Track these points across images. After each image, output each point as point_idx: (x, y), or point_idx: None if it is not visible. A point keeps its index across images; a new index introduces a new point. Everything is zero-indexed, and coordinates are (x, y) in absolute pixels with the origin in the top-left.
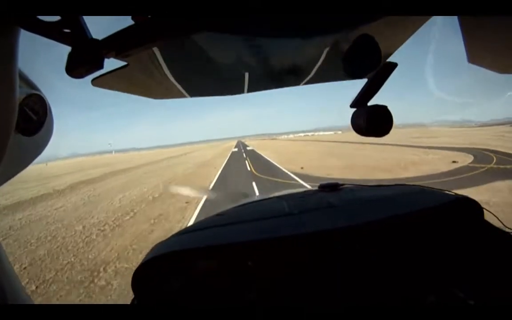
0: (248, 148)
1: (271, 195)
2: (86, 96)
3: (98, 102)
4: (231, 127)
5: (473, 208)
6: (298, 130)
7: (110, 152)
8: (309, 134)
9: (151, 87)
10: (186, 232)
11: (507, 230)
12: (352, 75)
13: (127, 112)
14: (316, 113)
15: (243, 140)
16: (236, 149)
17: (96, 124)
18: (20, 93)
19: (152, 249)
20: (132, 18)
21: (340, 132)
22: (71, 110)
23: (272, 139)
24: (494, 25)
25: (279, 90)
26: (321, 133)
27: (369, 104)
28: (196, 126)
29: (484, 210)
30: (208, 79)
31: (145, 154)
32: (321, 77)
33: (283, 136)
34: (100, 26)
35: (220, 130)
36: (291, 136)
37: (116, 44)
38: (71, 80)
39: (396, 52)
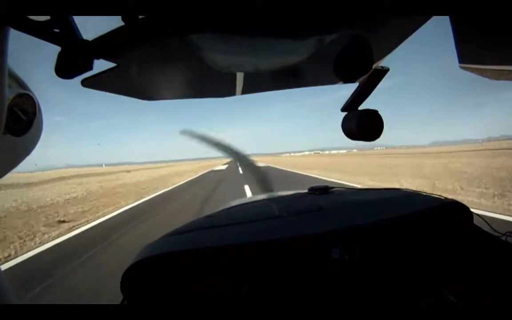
0: (258, 165)
1: (261, 197)
2: (83, 107)
3: (95, 114)
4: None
5: (462, 212)
6: (302, 149)
7: (101, 165)
8: (320, 152)
9: (141, 88)
10: (175, 233)
11: (496, 234)
12: (344, 79)
13: (123, 127)
14: (324, 131)
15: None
16: (224, 167)
17: (92, 137)
18: (9, 93)
19: (142, 251)
20: (123, 19)
21: (355, 150)
22: (68, 121)
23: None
24: (487, 29)
25: (284, 106)
26: (334, 151)
27: (359, 108)
28: (189, 144)
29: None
30: (200, 79)
31: (111, 169)
32: (315, 80)
33: (285, 155)
34: (91, 27)
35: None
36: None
37: (106, 45)
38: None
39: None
